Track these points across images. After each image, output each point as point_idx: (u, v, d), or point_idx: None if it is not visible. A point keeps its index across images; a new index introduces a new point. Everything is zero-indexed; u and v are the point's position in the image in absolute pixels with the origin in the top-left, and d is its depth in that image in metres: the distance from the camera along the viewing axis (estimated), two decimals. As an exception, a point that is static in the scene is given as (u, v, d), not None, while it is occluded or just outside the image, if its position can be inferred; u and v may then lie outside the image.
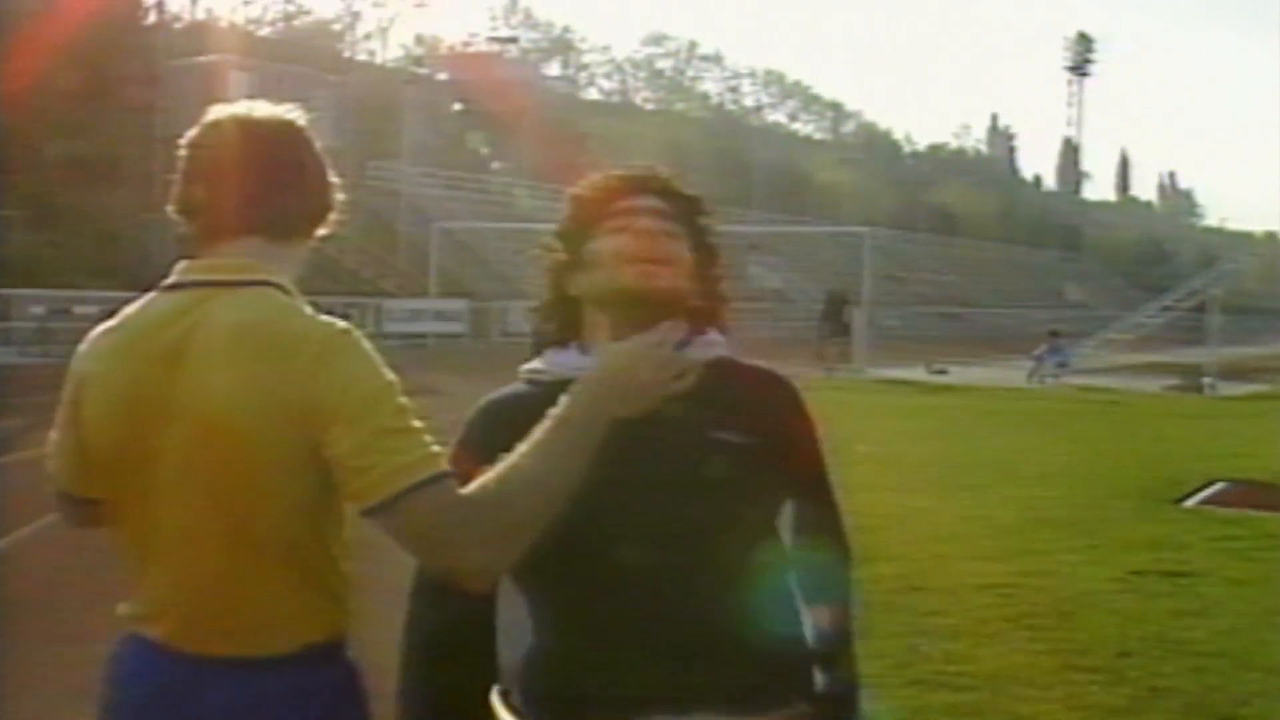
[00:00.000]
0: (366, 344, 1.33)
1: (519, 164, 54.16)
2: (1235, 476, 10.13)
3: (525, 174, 53.05)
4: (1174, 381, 22.77)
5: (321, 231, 1.48)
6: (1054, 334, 24.76)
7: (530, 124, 56.13)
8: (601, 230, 1.46)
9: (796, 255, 59.40)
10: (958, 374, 23.95)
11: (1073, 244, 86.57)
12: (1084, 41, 76.69)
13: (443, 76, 55.20)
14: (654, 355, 1.35)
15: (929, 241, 79.56)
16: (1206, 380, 22.19)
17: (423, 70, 53.23)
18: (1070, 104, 76.37)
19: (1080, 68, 77.62)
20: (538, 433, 1.32)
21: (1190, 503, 9.01)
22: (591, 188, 1.51)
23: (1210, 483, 9.75)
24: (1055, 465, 10.69)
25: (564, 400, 1.32)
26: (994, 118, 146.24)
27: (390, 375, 1.32)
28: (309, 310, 1.39)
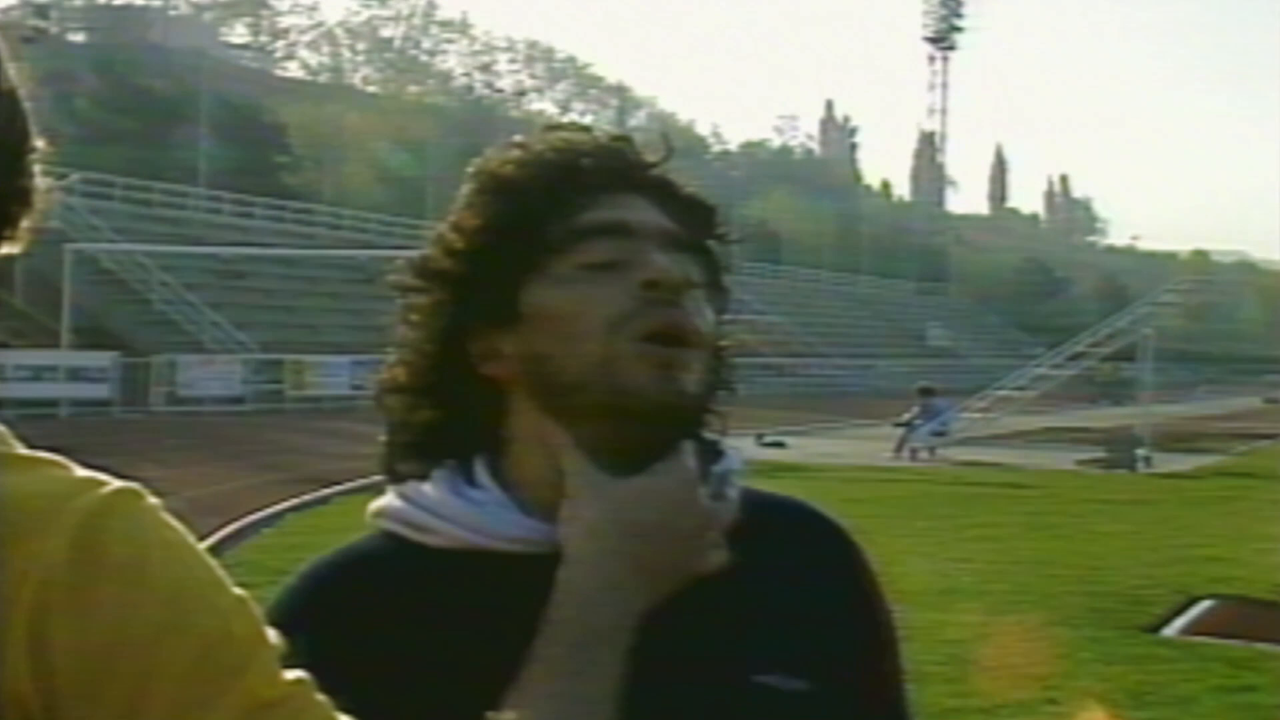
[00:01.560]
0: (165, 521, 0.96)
1: (191, 165, 52.47)
2: (1221, 591, 10.19)
3: (200, 179, 51.44)
4: (1095, 454, 23.56)
5: None
6: (926, 392, 25.07)
7: (206, 110, 54.52)
8: (562, 263, 1.22)
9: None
10: (799, 447, 24.28)
11: (935, 272, 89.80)
12: (949, 4, 79.57)
13: (78, 38, 53.01)
14: (688, 501, 1.20)
15: (745, 270, 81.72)
16: (1140, 452, 23.07)
17: (47, 23, 50.96)
18: (931, 87, 78.90)
19: (943, 38, 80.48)
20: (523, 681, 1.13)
21: (1171, 630, 8.98)
22: (530, 167, 1.26)
23: (1190, 601, 9.80)
24: (963, 580, 10.60)
25: (561, 589, 1.15)
26: (829, 106, 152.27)
27: (228, 586, 0.96)
28: None
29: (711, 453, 1.27)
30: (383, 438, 1.28)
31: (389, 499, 1.27)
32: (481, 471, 1.23)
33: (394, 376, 1.27)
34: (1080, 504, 16.58)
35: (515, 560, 1.19)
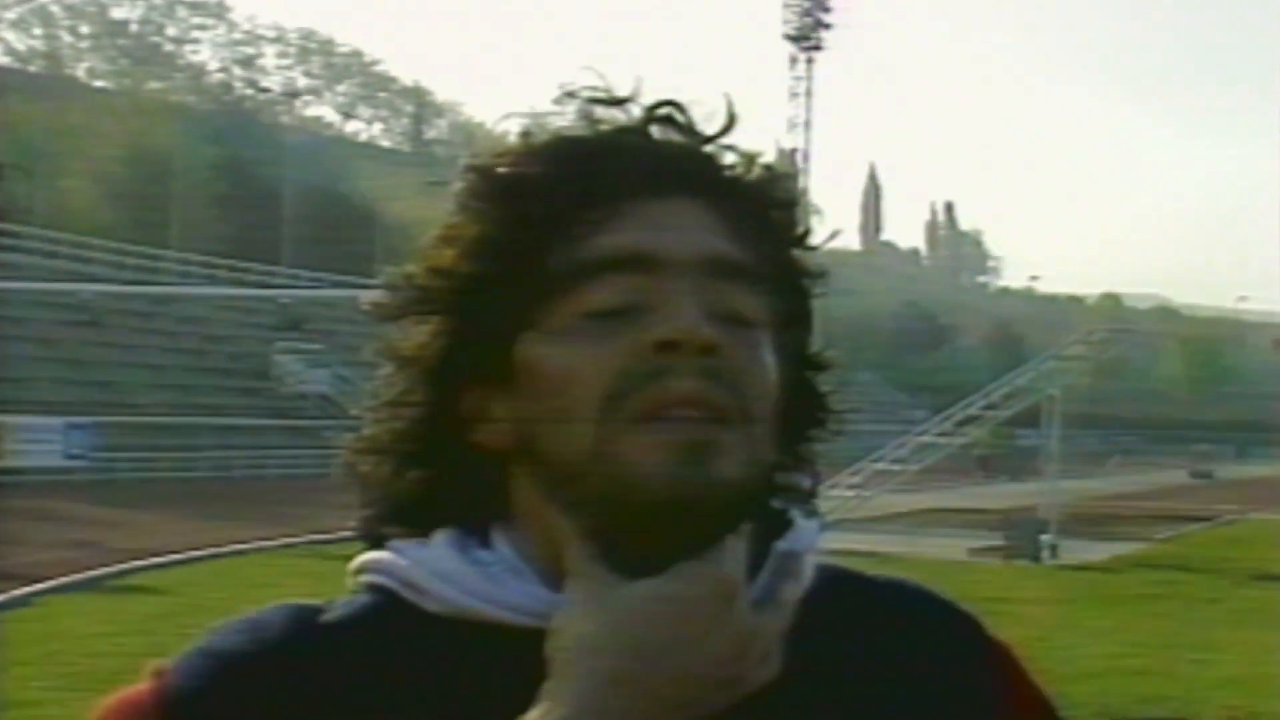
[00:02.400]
0: None
1: None
2: (1154, 715, 10.15)
3: None
4: (992, 541, 23.84)
5: None
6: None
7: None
8: (562, 309, 1.20)
9: (361, 337, 60.46)
10: None
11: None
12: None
13: None
14: (719, 615, 1.16)
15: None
16: (1045, 539, 23.43)
17: None
18: (793, 95, 79.48)
19: (808, 37, 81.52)
20: None
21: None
22: (537, 162, 1.23)
23: None
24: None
25: (543, 709, 1.16)
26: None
27: None
28: None
29: (774, 525, 1.24)
30: (360, 506, 1.30)
31: (379, 553, 1.28)
32: (499, 534, 1.24)
33: (374, 436, 1.27)
34: (975, 603, 16.30)
35: (526, 636, 1.18)
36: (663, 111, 1.26)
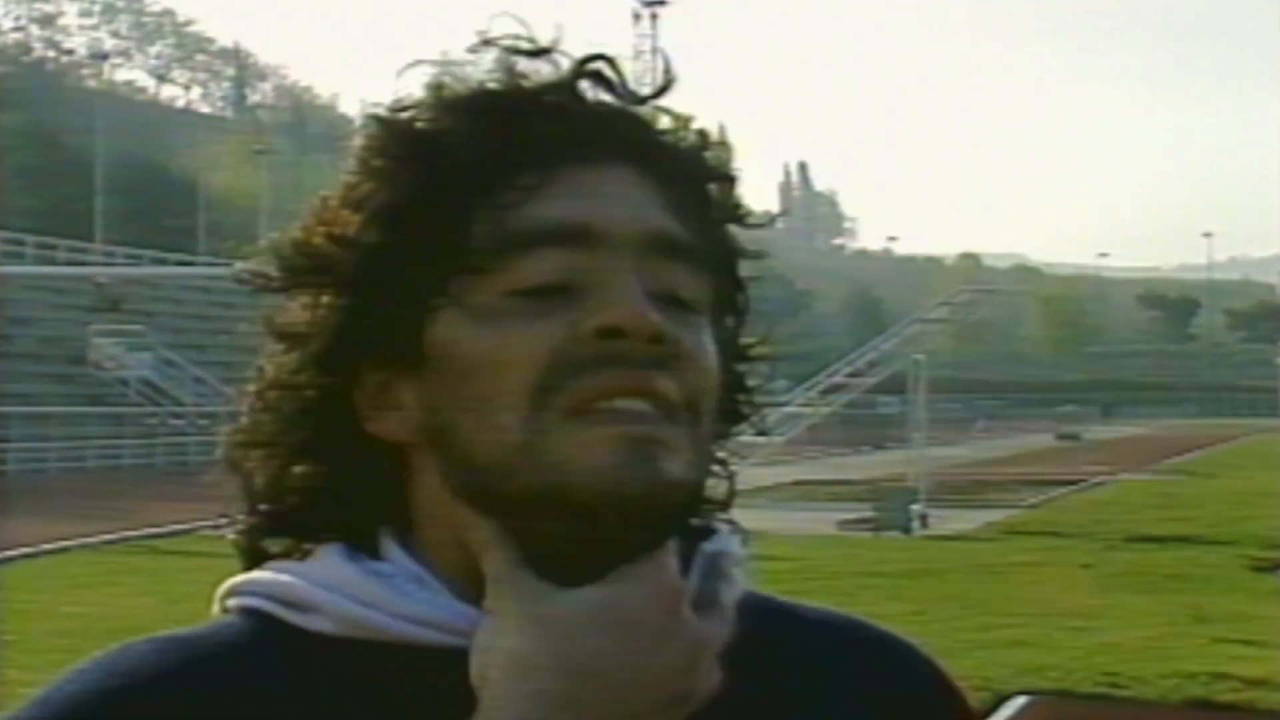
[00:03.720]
0: None
1: None
2: (1034, 685, 10.33)
3: None
4: (861, 513, 24.14)
5: None
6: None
7: None
8: (485, 286, 1.13)
9: (186, 317, 59.77)
10: None
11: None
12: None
13: None
14: (665, 622, 1.10)
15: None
16: (915, 509, 23.78)
17: None
18: (639, 53, 78.97)
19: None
20: None
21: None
22: (457, 115, 1.16)
23: (998, 700, 10.00)
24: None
25: None
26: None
27: None
28: None
29: (695, 531, 1.17)
30: (235, 508, 1.21)
31: (251, 573, 1.19)
32: (390, 544, 1.16)
33: (254, 425, 1.19)
34: (847, 578, 16.89)
35: (437, 655, 1.10)
36: (593, 67, 1.18)
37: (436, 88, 1.16)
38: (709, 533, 1.19)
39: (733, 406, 1.21)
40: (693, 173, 1.19)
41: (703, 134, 1.21)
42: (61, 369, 51.94)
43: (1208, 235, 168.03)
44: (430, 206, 1.13)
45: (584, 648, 1.07)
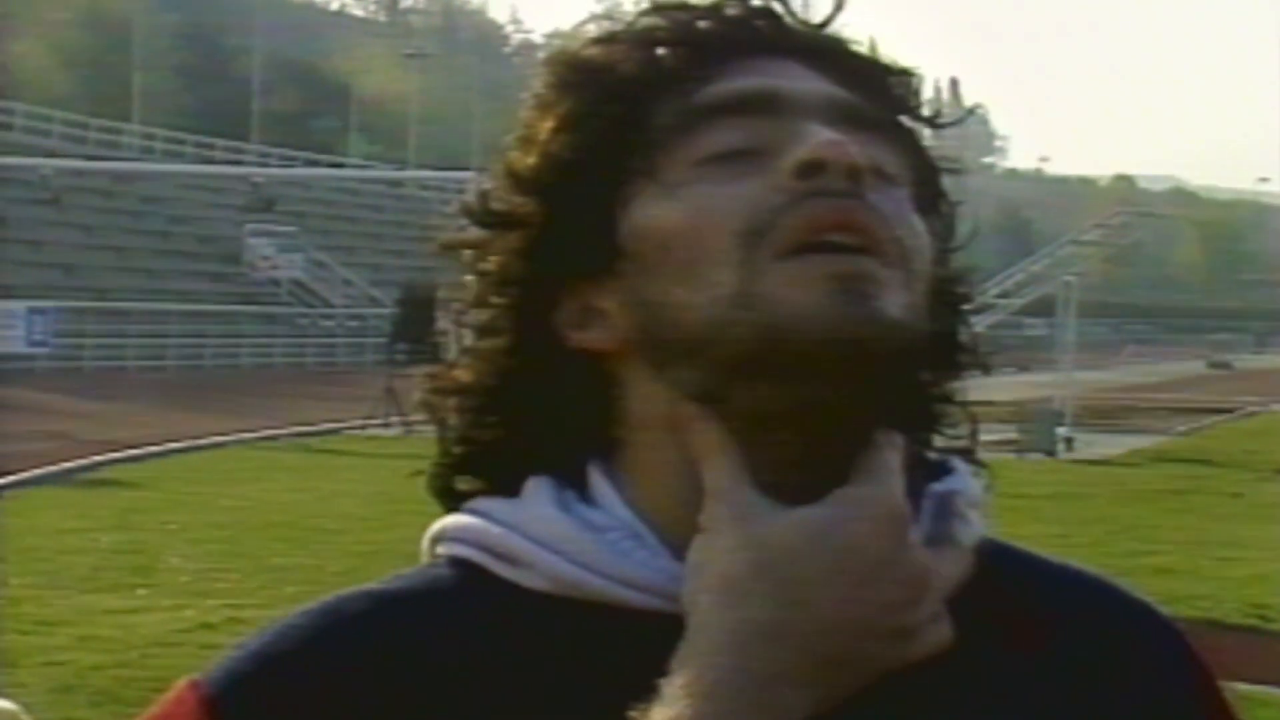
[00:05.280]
0: None
1: None
2: (1180, 613, 10.10)
3: None
4: (1005, 434, 23.94)
5: None
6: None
7: None
8: (675, 161, 1.10)
9: (336, 219, 60.48)
10: None
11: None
12: None
13: None
14: (891, 545, 1.05)
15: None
16: (1061, 432, 23.58)
17: None
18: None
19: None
20: None
21: None
22: (627, 43, 1.15)
23: None
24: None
25: (678, 677, 1.03)
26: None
27: None
28: None
29: (927, 467, 1.12)
30: (432, 455, 1.18)
31: (460, 518, 1.15)
32: (601, 482, 1.11)
33: (453, 376, 1.16)
34: (990, 499, 16.67)
35: (648, 620, 1.06)
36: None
37: (606, 18, 1.16)
38: (942, 471, 1.13)
39: (951, 341, 1.16)
40: (875, 73, 1.15)
41: (872, 42, 1.18)
42: (217, 268, 52.81)
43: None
44: (607, 112, 1.11)
45: (798, 573, 1.03)
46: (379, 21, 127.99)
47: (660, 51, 1.13)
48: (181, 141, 61.62)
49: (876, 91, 1.14)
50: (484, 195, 1.16)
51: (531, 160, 1.13)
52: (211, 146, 62.44)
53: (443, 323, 1.21)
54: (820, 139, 1.05)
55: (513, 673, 1.08)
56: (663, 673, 1.02)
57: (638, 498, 1.10)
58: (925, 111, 1.17)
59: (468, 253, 1.18)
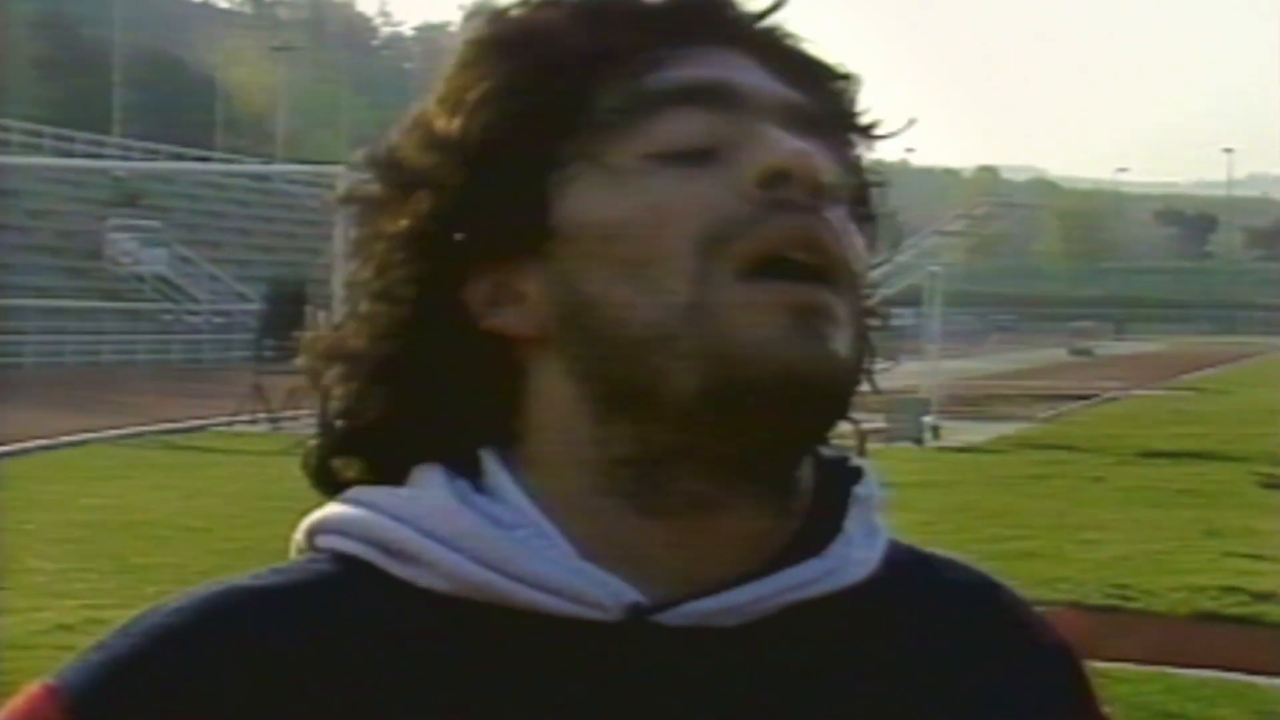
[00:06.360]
0: None
1: None
2: (1045, 596, 10.40)
3: None
4: (874, 423, 24.13)
5: None
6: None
7: None
8: (623, 148, 1.04)
9: (202, 214, 59.86)
10: None
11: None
12: None
13: None
14: None
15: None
16: (928, 420, 23.92)
17: None
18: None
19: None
20: None
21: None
22: (567, 7, 1.08)
23: None
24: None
25: None
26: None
27: None
28: None
29: (839, 470, 1.08)
30: (311, 430, 1.10)
31: (340, 507, 1.05)
32: (500, 473, 1.03)
33: (340, 339, 1.08)
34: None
35: (555, 624, 0.99)
36: None
37: None
38: (845, 468, 1.09)
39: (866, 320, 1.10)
40: (817, 72, 1.10)
41: (816, 47, 1.12)
42: (77, 263, 52.02)
43: (1228, 151, 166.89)
44: (543, 83, 1.04)
45: None
46: (245, 14, 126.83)
47: (607, 26, 1.05)
48: (40, 134, 60.56)
49: (821, 94, 1.08)
50: (393, 150, 1.08)
51: (457, 123, 1.05)
52: (71, 139, 61.42)
53: (321, 302, 1.13)
54: (788, 147, 1.00)
55: (412, 678, 1.00)
56: (575, 680, 0.98)
57: (539, 493, 1.03)
58: (863, 120, 1.11)
59: (366, 210, 1.09)
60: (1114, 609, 10.11)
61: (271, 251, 56.67)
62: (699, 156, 1.02)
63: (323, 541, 1.05)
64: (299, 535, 1.08)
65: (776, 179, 0.99)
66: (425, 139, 1.06)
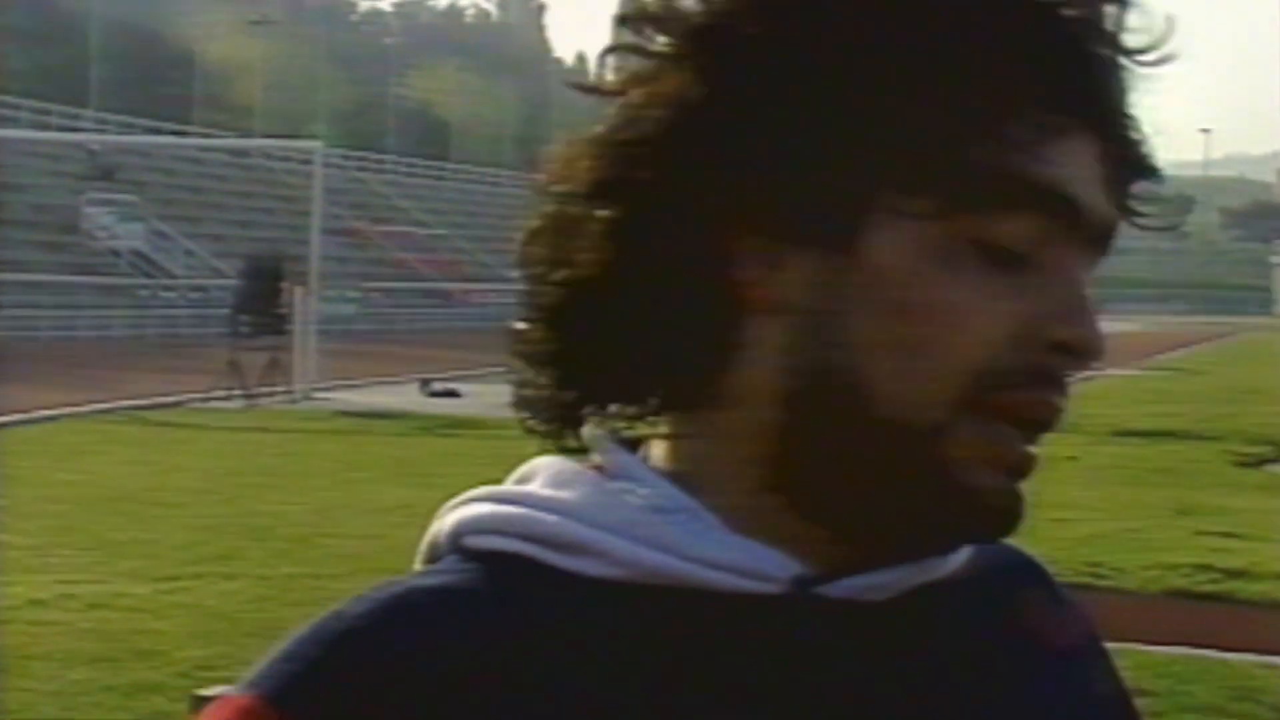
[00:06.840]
0: None
1: None
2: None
3: None
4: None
5: None
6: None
7: None
8: (950, 224, 0.98)
9: (179, 189, 59.63)
10: (475, 395, 24.29)
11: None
12: None
13: None
14: None
15: (402, 167, 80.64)
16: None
17: None
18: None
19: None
20: None
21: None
22: None
23: None
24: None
25: None
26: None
27: None
28: None
29: None
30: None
31: (488, 507, 1.04)
32: (635, 462, 1.04)
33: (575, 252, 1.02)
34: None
35: (740, 601, 1.00)
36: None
37: None
38: None
39: None
40: (1140, 165, 1.06)
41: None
42: (53, 237, 51.77)
43: (1205, 131, 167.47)
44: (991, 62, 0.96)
45: None
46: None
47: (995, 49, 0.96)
48: (16, 107, 60.23)
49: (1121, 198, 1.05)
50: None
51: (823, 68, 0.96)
52: (48, 113, 61.09)
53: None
54: (1091, 331, 0.98)
55: (604, 664, 1.00)
56: (750, 651, 0.99)
57: (689, 475, 1.03)
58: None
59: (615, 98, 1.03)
60: (1086, 586, 10.10)
61: (248, 227, 56.48)
62: (1015, 263, 0.97)
63: (477, 542, 1.03)
64: (440, 538, 1.06)
65: (1066, 351, 0.98)
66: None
